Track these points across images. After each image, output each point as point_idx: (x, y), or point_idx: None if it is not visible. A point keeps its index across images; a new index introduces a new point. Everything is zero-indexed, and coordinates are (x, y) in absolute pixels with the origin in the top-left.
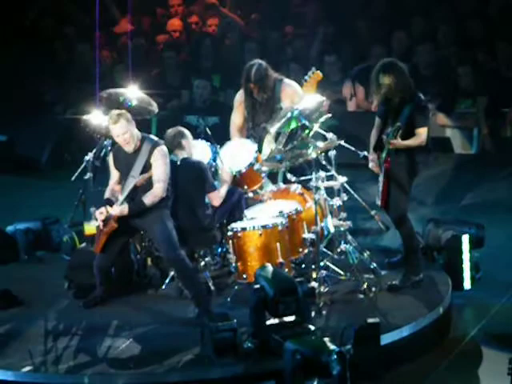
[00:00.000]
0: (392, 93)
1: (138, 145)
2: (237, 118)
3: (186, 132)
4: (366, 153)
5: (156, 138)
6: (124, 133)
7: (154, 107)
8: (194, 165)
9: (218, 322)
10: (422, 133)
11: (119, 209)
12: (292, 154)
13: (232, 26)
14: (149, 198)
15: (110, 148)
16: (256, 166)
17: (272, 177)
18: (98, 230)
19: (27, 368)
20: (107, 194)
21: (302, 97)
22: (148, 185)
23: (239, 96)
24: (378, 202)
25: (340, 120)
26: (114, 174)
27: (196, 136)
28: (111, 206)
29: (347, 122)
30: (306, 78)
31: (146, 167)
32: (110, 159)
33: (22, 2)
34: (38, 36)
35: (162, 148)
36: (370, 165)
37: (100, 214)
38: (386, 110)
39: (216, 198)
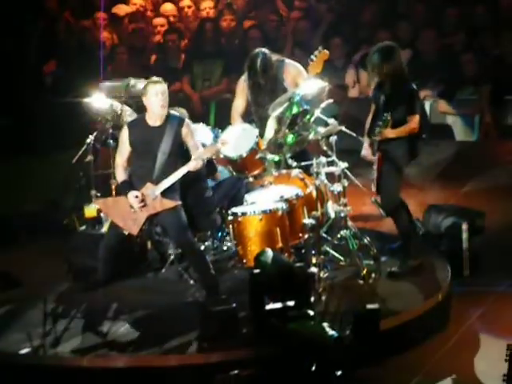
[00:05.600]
0: (385, 77)
1: (164, 119)
2: (239, 103)
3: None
4: (362, 138)
5: (177, 113)
6: (164, 92)
7: None
8: None
9: (217, 306)
10: (414, 119)
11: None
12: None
13: (231, 8)
14: (192, 163)
15: (111, 131)
16: (259, 154)
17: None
18: (129, 211)
19: (25, 350)
20: (124, 176)
21: (305, 77)
22: (173, 161)
23: (242, 81)
24: (373, 189)
25: (342, 106)
26: (126, 151)
27: None
28: (132, 188)
29: (349, 108)
30: (313, 57)
31: (176, 142)
32: (125, 134)
33: None
34: (40, 15)
35: (189, 122)
36: (363, 152)
37: (136, 197)
38: (378, 96)
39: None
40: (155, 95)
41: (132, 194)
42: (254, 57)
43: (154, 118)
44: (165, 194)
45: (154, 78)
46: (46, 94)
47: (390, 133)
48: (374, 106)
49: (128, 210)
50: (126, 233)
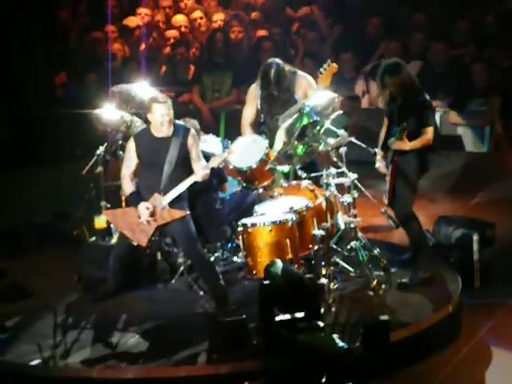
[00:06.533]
0: (396, 93)
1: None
2: (249, 112)
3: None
4: (376, 150)
5: (182, 122)
6: (169, 113)
7: None
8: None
9: (227, 318)
10: (429, 131)
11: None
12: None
13: (238, 19)
14: (200, 173)
15: (120, 142)
16: (269, 165)
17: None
18: (138, 223)
19: (36, 361)
20: (131, 187)
21: (315, 89)
22: (180, 171)
23: (253, 90)
24: (386, 201)
25: (352, 117)
26: (133, 163)
27: None
28: (141, 199)
29: (359, 118)
30: (322, 70)
31: (182, 152)
32: (131, 146)
33: None
34: (53, 28)
35: (194, 132)
36: (377, 164)
37: (147, 208)
38: (391, 110)
39: (227, 186)
40: (161, 116)
41: (143, 205)
42: (267, 67)
43: (160, 130)
44: (173, 203)
45: (159, 98)
46: (57, 105)
47: (406, 145)
48: (386, 119)
49: (137, 222)
50: (135, 244)
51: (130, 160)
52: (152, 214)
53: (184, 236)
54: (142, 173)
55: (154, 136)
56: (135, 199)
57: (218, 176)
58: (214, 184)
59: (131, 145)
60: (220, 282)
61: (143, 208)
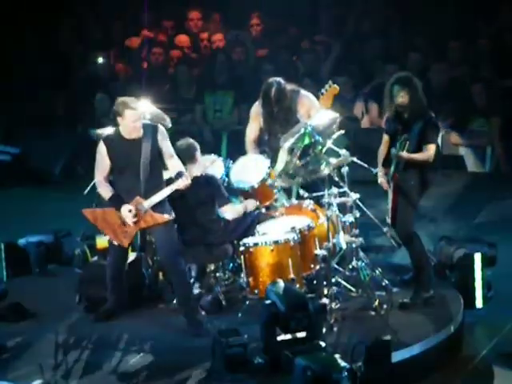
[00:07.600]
0: (404, 107)
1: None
2: (253, 129)
3: (197, 144)
4: (378, 168)
5: (148, 121)
6: (140, 119)
7: (168, 122)
8: (205, 182)
9: (228, 338)
10: (430, 148)
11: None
12: (305, 170)
13: (240, 40)
14: (182, 180)
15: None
16: (269, 182)
17: (287, 191)
18: (119, 224)
19: (37, 382)
20: (110, 191)
21: (318, 109)
22: (157, 171)
23: (256, 108)
24: (388, 220)
25: (353, 137)
26: (106, 166)
27: None
28: (123, 201)
29: (361, 138)
30: (323, 91)
31: (154, 150)
32: (103, 150)
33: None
34: (54, 48)
35: (162, 128)
36: (379, 180)
37: (129, 211)
38: (395, 126)
39: (229, 211)
40: (132, 122)
41: (125, 207)
42: (268, 86)
43: (130, 134)
44: (154, 207)
45: (131, 104)
46: (59, 125)
47: (408, 156)
48: (386, 137)
49: (118, 223)
50: (117, 244)
51: (103, 163)
52: (136, 218)
53: (164, 241)
54: (117, 177)
55: (124, 138)
56: (117, 202)
57: (220, 195)
58: (215, 203)
59: (102, 148)
60: (192, 292)
61: (126, 210)
